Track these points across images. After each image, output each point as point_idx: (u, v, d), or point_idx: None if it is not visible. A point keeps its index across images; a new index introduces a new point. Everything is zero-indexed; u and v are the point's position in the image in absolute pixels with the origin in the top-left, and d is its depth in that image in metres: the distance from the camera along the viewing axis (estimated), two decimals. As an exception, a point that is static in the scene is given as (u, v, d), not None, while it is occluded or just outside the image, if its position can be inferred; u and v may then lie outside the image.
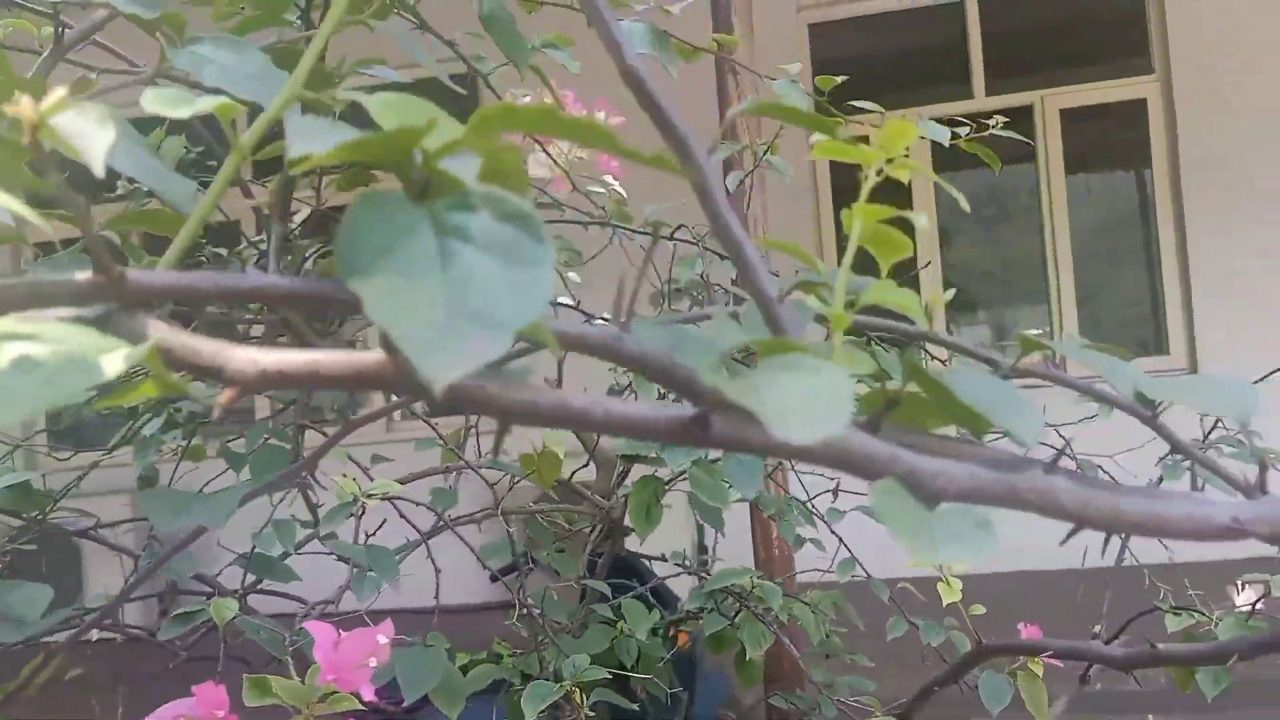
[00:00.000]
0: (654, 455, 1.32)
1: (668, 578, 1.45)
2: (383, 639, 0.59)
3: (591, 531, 1.39)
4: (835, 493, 1.75)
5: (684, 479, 1.35)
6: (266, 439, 1.05)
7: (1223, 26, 5.64)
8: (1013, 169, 6.24)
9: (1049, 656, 1.20)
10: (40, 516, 0.99)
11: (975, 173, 5.92)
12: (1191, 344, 5.74)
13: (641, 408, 0.32)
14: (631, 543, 1.37)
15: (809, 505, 1.52)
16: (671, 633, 1.65)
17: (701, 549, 1.53)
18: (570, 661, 1.06)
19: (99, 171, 0.25)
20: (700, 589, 1.38)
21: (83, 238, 0.31)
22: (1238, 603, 1.18)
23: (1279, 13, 5.55)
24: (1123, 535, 0.44)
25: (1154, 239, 5.93)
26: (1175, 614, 1.28)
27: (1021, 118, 6.05)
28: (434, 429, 1.13)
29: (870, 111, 1.22)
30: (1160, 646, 0.80)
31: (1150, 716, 4.05)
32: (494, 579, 3.04)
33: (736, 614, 1.40)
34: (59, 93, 0.26)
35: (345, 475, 0.95)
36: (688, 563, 1.46)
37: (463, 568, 1.51)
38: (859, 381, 0.40)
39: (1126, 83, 5.97)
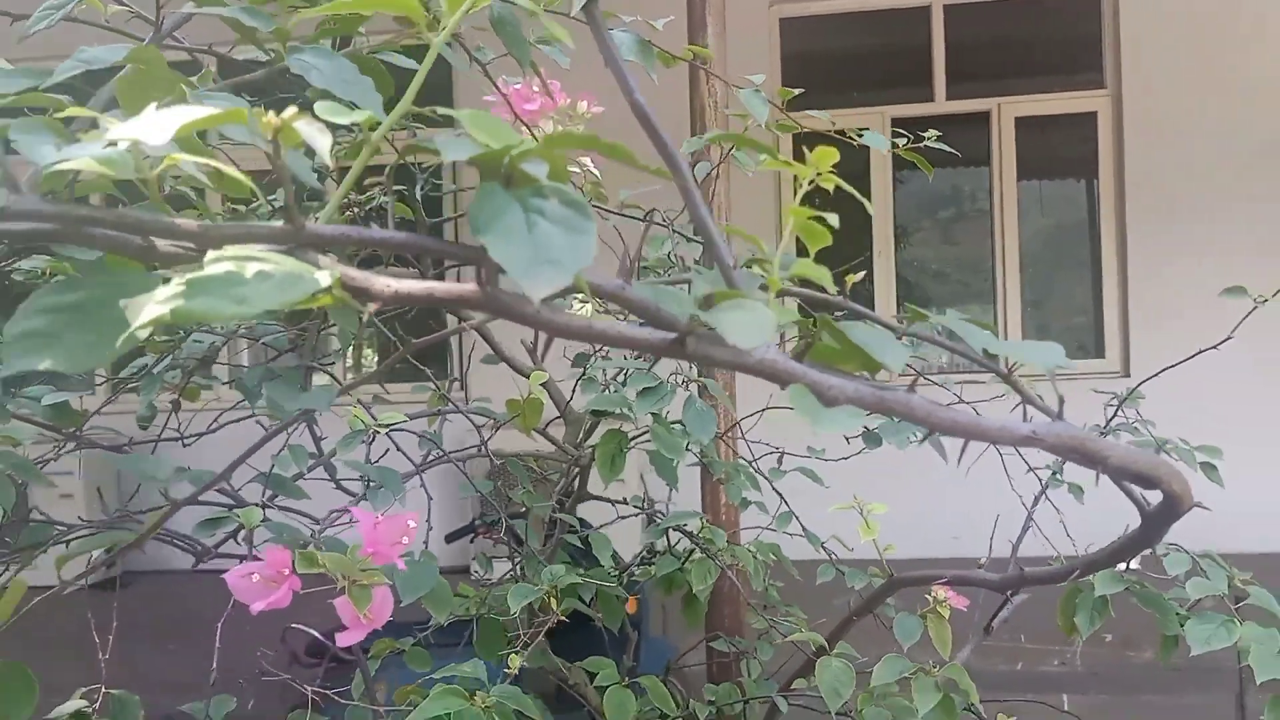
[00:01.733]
0: (619, 412, 1.49)
1: (624, 518, 1.62)
2: (411, 523, 0.75)
3: (560, 478, 1.56)
4: (780, 459, 1.94)
5: (646, 440, 1.52)
6: (276, 375, 1.20)
7: (1173, 49, 5.91)
8: (969, 172, 6.49)
9: (955, 597, 1.39)
10: (76, 431, 1.13)
11: (936, 173, 6.15)
12: (1126, 349, 6.03)
13: (643, 330, 0.48)
14: (595, 486, 1.54)
15: (754, 467, 1.69)
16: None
17: (651, 502, 1.70)
18: (548, 570, 1.23)
19: (328, 160, 0.41)
20: (655, 525, 1.55)
21: (254, 204, 0.47)
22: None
23: (1224, 41, 5.83)
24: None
25: (1097, 247, 6.21)
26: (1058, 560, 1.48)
27: (978, 123, 6.29)
28: (430, 376, 1.28)
29: (824, 120, 1.39)
30: (1025, 570, 0.99)
31: (1065, 696, 4.31)
32: (449, 540, 3.18)
33: (687, 557, 1.58)
34: (293, 110, 0.41)
35: (357, 406, 1.11)
36: (643, 506, 1.64)
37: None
38: (789, 334, 0.57)
39: (1079, 95, 6.23)
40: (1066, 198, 6.57)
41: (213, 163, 0.44)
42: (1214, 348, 1.61)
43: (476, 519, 3.06)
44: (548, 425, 1.40)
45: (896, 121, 6.11)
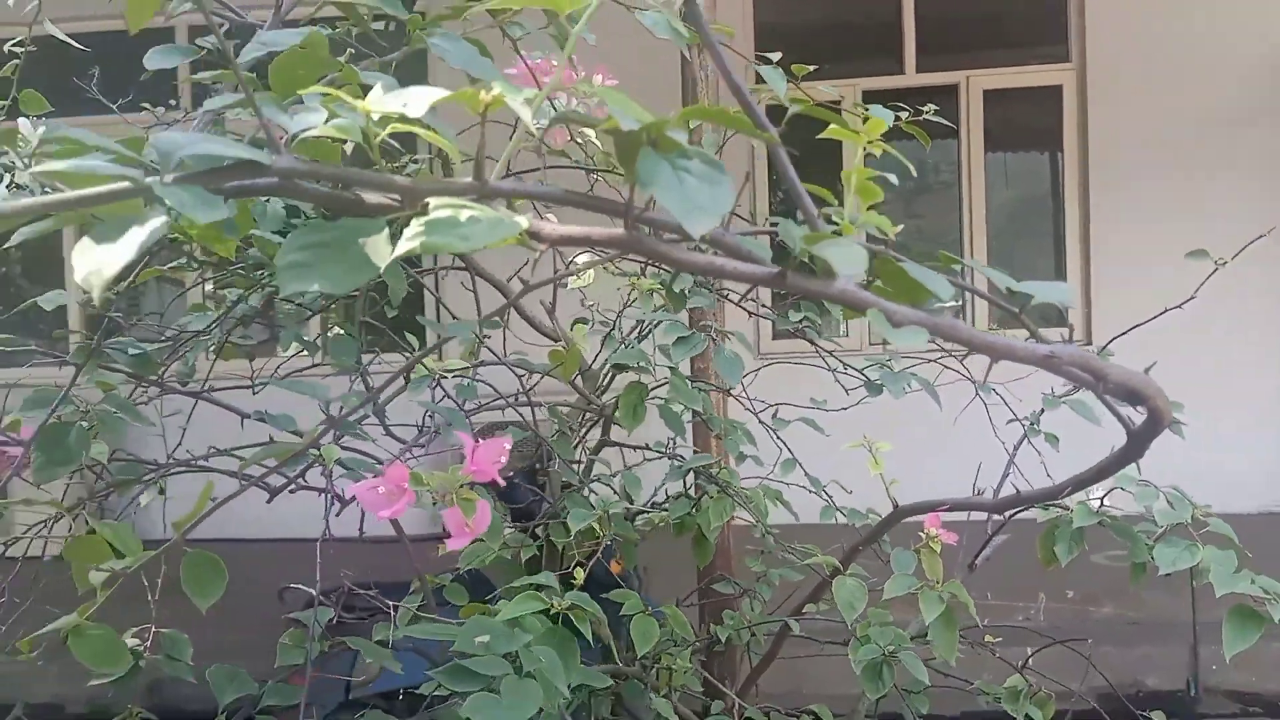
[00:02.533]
0: (638, 365, 1.62)
1: (648, 461, 1.76)
2: (507, 445, 0.87)
3: (584, 426, 1.69)
4: (775, 414, 2.08)
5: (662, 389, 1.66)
6: (336, 333, 1.32)
7: (1136, 24, 6.08)
8: (937, 145, 6.64)
9: (946, 533, 1.54)
10: (159, 379, 1.24)
11: (901, 145, 6.29)
12: (1089, 319, 6.24)
13: (751, 265, 0.61)
14: (619, 434, 1.67)
15: (760, 418, 1.83)
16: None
17: (672, 446, 1.82)
18: (578, 511, 1.37)
19: (531, 126, 0.53)
20: (679, 467, 1.69)
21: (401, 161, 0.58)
22: (1093, 494, 1.53)
23: (1189, 14, 6.01)
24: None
25: (1061, 218, 6.40)
26: (1044, 509, 1.63)
27: (946, 95, 6.44)
28: (477, 335, 1.39)
29: (826, 93, 1.52)
30: (1020, 491, 1.13)
31: (1029, 649, 4.52)
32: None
33: (698, 501, 1.71)
34: (498, 87, 0.53)
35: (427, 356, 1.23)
36: (664, 450, 1.78)
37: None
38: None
39: (1045, 69, 6.40)
40: (1032, 170, 6.76)
41: (417, 129, 0.56)
42: (1178, 307, 1.76)
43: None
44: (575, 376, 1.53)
45: (867, 94, 6.24)
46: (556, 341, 1.70)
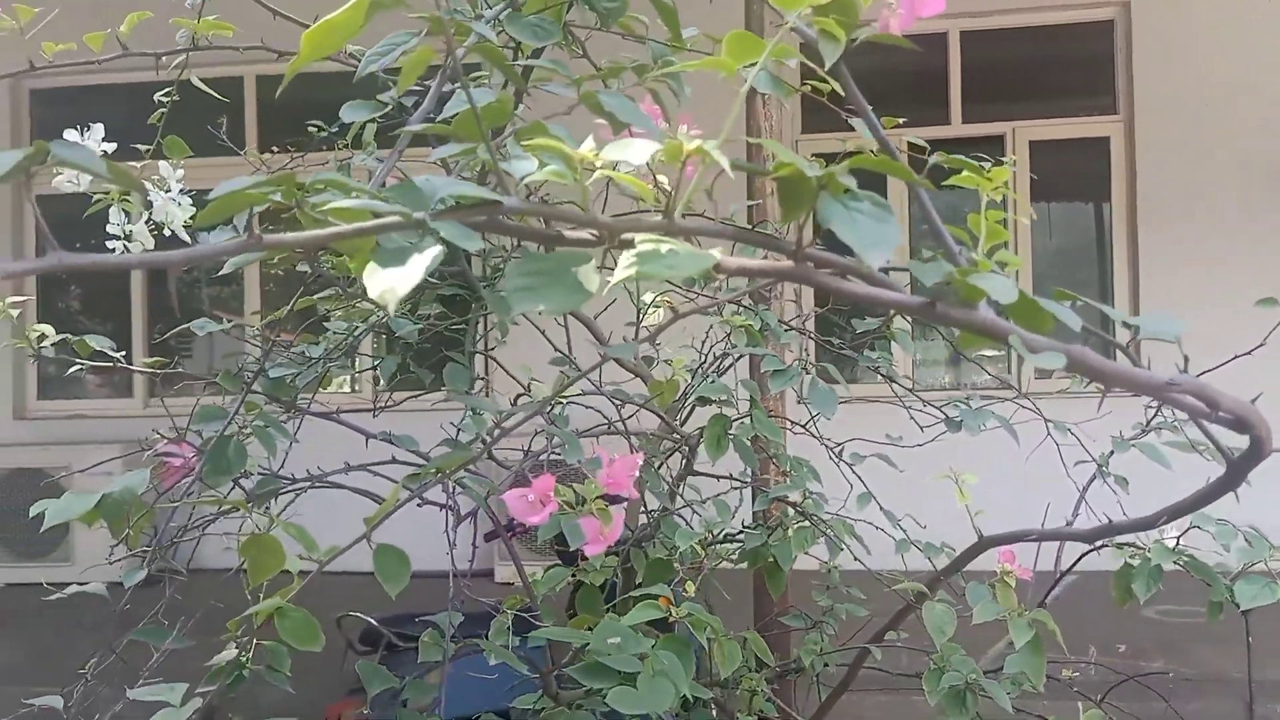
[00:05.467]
0: (722, 399, 1.69)
1: (722, 493, 1.83)
2: (640, 461, 0.94)
3: (668, 455, 1.76)
4: (840, 452, 2.13)
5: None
6: (453, 360, 1.41)
7: (1184, 76, 6.15)
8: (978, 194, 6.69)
9: (1021, 570, 1.59)
10: (292, 401, 1.33)
11: (947, 194, 6.37)
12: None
13: (899, 295, 0.68)
14: (703, 464, 1.75)
15: (833, 455, 1.90)
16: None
17: (754, 476, 1.88)
18: (682, 531, 1.44)
19: (729, 171, 0.61)
20: (765, 494, 1.76)
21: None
22: (1169, 534, 1.58)
23: (1234, 66, 6.07)
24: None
25: (1108, 267, 6.43)
26: (1118, 548, 1.67)
27: (993, 146, 6.52)
28: (571, 361, 1.47)
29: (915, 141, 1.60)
30: (1113, 521, 1.19)
31: (1079, 704, 4.47)
32: (487, 540, 3.36)
33: (772, 532, 1.78)
34: (699, 140, 0.62)
35: (533, 380, 1.31)
36: (744, 480, 1.85)
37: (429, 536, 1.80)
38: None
39: (1092, 121, 6.46)
40: (1077, 219, 6.80)
41: (616, 175, 0.64)
42: (1248, 353, 1.80)
43: (512, 520, 3.24)
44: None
45: (913, 145, 6.32)
46: (640, 377, 1.78)
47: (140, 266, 0.51)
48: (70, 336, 1.39)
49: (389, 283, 0.52)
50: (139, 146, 1.62)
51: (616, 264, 0.63)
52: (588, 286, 0.62)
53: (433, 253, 0.53)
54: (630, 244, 0.65)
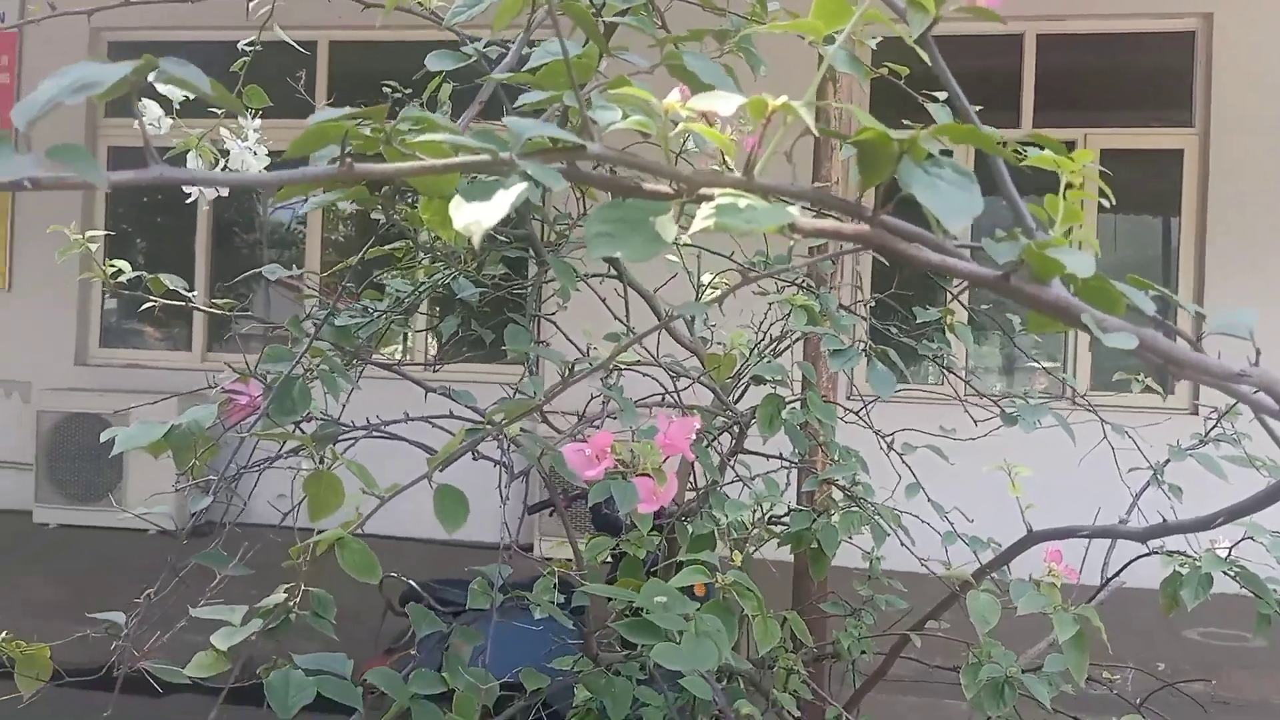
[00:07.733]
0: (777, 379, 1.69)
1: (771, 471, 1.83)
2: (696, 424, 0.95)
3: (720, 432, 1.77)
4: (890, 442, 2.13)
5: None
6: (514, 322, 1.43)
7: (1264, 93, 5.98)
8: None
9: (1068, 570, 1.57)
10: (354, 350, 1.36)
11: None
12: (1196, 387, 6.10)
13: (973, 266, 0.68)
14: (754, 442, 1.75)
15: (881, 440, 1.89)
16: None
17: (802, 456, 1.89)
18: (733, 503, 1.46)
19: (814, 130, 0.62)
20: (815, 476, 1.76)
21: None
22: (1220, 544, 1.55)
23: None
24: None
25: (1173, 284, 6.29)
26: (1168, 555, 1.65)
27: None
28: (630, 329, 1.48)
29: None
30: (1168, 521, 1.17)
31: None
32: (531, 512, 3.38)
33: (817, 517, 1.78)
34: (785, 98, 0.62)
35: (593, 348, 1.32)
36: (794, 458, 1.86)
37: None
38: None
39: (1167, 132, 6.32)
40: (1143, 231, 6.66)
41: (701, 129, 0.65)
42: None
43: (562, 491, 3.27)
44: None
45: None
46: (696, 354, 1.79)
47: (237, 184, 0.53)
48: (145, 274, 1.43)
49: (475, 215, 0.53)
50: (213, 110, 1.65)
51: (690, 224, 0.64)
52: (665, 236, 0.63)
53: (519, 189, 0.54)
54: (709, 198, 0.66)
